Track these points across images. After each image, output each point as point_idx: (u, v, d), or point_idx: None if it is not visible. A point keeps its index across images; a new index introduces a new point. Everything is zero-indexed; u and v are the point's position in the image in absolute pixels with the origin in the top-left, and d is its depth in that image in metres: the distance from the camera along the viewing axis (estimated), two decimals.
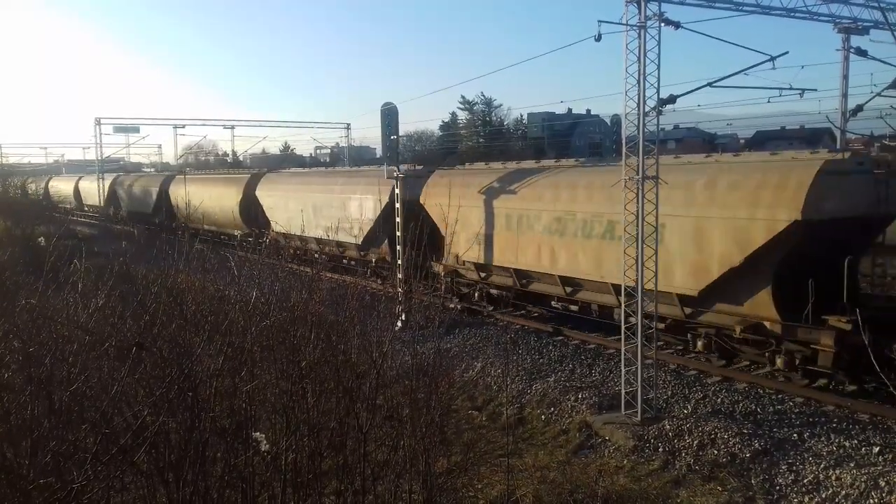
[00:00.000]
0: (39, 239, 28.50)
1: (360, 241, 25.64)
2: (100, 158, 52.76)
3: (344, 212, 26.18)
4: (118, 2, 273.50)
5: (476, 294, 21.51)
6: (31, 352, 6.19)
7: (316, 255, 28.11)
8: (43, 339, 6.63)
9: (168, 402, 6.50)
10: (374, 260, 25.56)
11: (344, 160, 56.71)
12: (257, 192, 33.30)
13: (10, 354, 6.42)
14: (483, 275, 20.70)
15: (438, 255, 21.38)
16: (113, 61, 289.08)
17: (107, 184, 53.33)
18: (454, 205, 20.01)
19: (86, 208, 61.19)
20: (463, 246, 20.23)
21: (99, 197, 53.26)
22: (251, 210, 33.72)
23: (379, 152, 32.34)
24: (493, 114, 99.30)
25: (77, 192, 62.24)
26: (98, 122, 49.68)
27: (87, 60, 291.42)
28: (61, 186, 67.40)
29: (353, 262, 27.42)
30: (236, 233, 33.83)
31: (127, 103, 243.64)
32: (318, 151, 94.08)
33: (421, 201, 22.02)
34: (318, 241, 27.87)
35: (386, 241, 23.95)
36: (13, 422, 5.95)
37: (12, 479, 5.40)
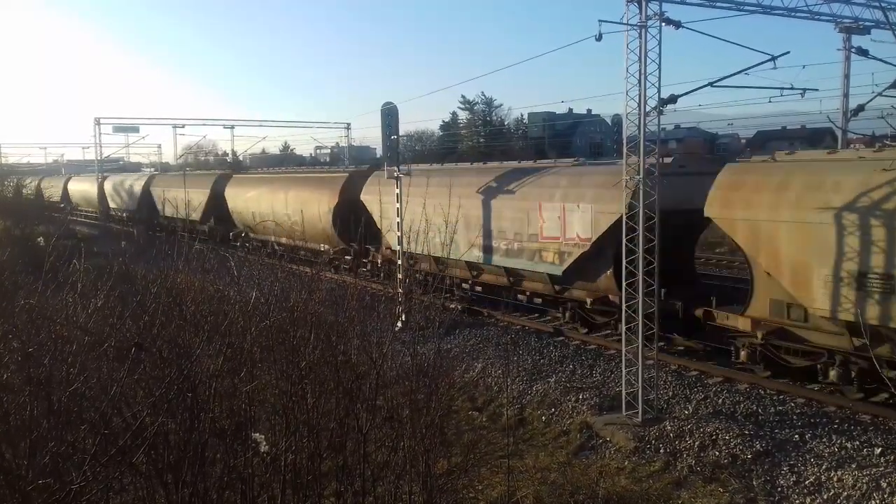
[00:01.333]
0: (38, 239, 28.52)
1: (561, 269, 17.70)
2: (99, 158, 52.70)
3: (527, 227, 18.50)
4: (118, 2, 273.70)
5: (834, 371, 13.04)
6: (30, 352, 6.15)
7: (466, 286, 21.37)
8: (42, 340, 6.60)
9: (167, 402, 6.48)
10: (589, 301, 17.80)
11: (344, 160, 56.62)
12: (363, 197, 25.64)
13: (9, 355, 6.39)
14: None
15: (728, 297, 15.41)
16: (113, 61, 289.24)
17: (110, 183, 52.93)
18: (789, 219, 12.77)
19: (112, 212, 55.73)
20: (818, 289, 12.42)
21: (101, 199, 52.93)
22: (349, 219, 25.23)
23: (379, 152, 31.76)
24: (493, 113, 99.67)
25: (102, 193, 55.68)
26: (98, 122, 49.61)
27: (87, 60, 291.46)
28: (82, 187, 61.79)
29: (537, 300, 19.85)
30: (324, 247, 28.10)
31: (127, 103, 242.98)
32: (318, 151, 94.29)
33: (710, 213, 14.45)
34: (471, 265, 20.58)
35: (610, 272, 16.57)
36: (12, 422, 5.93)
37: (11, 479, 5.38)
